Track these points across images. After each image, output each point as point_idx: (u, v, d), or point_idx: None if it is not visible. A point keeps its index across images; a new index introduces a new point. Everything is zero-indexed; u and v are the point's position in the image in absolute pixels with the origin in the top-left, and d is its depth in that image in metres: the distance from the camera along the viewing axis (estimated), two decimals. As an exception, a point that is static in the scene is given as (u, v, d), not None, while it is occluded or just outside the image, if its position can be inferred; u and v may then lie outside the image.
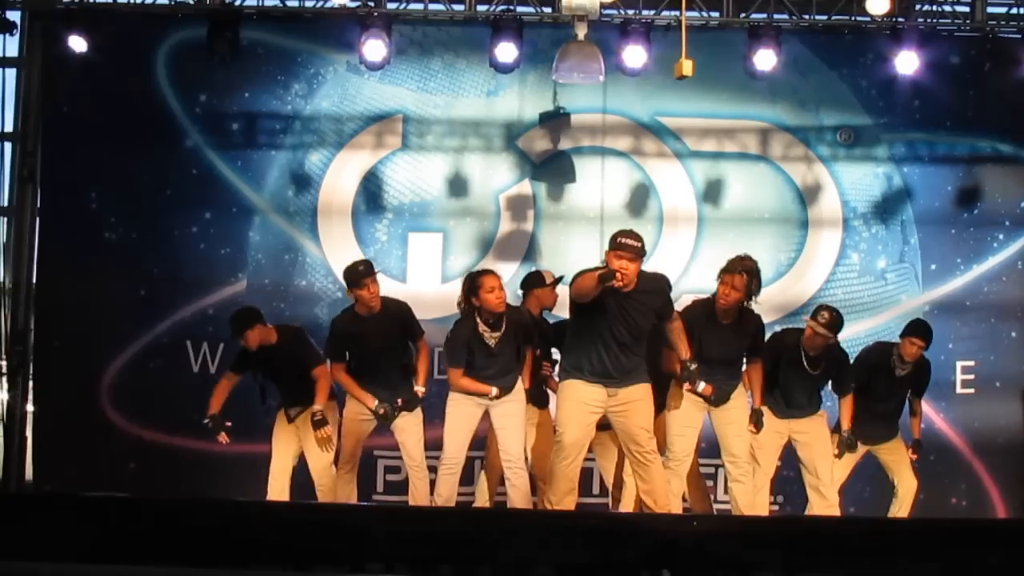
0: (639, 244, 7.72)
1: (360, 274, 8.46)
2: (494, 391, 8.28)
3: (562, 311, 8.64)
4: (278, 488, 8.83)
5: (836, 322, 8.60)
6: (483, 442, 9.02)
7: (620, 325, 7.79)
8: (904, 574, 6.71)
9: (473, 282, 8.33)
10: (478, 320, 8.28)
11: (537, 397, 8.89)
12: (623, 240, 7.70)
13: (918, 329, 9.06)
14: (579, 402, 7.86)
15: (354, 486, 8.79)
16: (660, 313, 7.90)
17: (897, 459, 9.19)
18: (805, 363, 8.65)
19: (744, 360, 8.59)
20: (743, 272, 8.21)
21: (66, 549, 6.35)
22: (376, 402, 8.50)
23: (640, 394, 7.91)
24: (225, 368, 10.28)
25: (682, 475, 8.36)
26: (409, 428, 8.65)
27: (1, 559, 5.10)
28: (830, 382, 8.88)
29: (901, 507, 9.13)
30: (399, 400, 8.53)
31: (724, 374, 8.40)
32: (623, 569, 6.24)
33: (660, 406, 8.23)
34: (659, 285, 7.95)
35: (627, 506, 8.52)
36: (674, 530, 7.01)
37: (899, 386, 9.10)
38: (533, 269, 9.78)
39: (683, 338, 8.06)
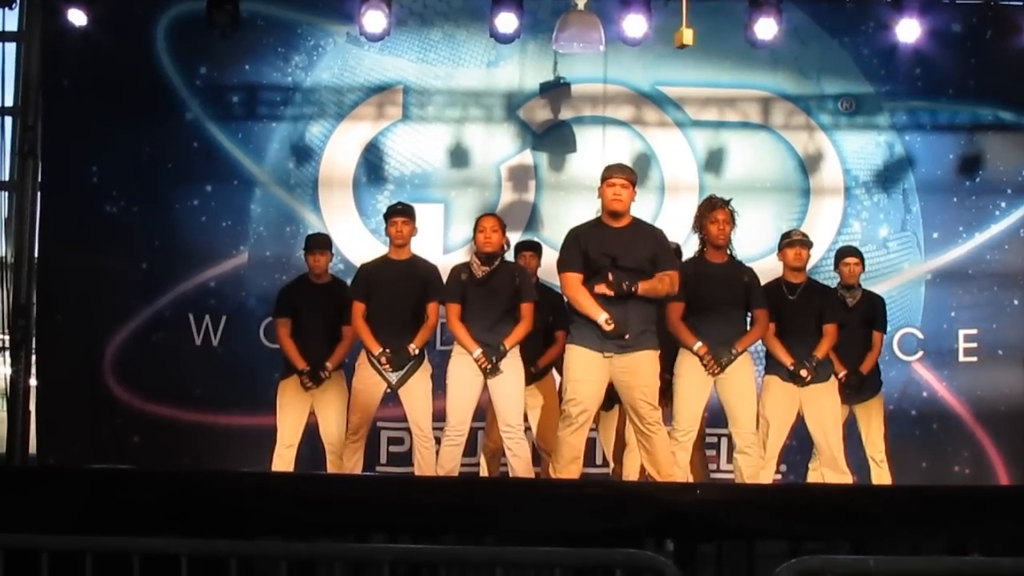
0: (631, 170, 8.13)
1: (389, 211, 8.90)
2: (477, 352, 8.31)
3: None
4: (288, 457, 8.83)
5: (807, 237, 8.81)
6: (484, 414, 9.02)
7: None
8: (908, 542, 6.72)
9: (475, 226, 8.65)
10: (473, 256, 8.59)
11: (540, 373, 8.90)
12: (613, 167, 8.07)
13: (847, 250, 9.26)
14: (582, 370, 7.81)
15: (361, 456, 8.75)
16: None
17: (867, 418, 9.06)
18: (785, 290, 8.68)
19: (748, 323, 8.49)
20: (723, 205, 8.40)
21: (70, 522, 6.37)
22: (380, 349, 8.54)
23: (643, 363, 7.79)
24: (228, 342, 10.36)
25: (688, 447, 8.25)
26: (416, 397, 8.66)
27: (5, 532, 5.10)
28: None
29: (880, 471, 8.98)
30: (388, 348, 8.54)
31: (723, 323, 8.31)
32: (627, 538, 6.24)
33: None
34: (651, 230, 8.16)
35: (630, 476, 8.52)
36: (677, 499, 7.01)
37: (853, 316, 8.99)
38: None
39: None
